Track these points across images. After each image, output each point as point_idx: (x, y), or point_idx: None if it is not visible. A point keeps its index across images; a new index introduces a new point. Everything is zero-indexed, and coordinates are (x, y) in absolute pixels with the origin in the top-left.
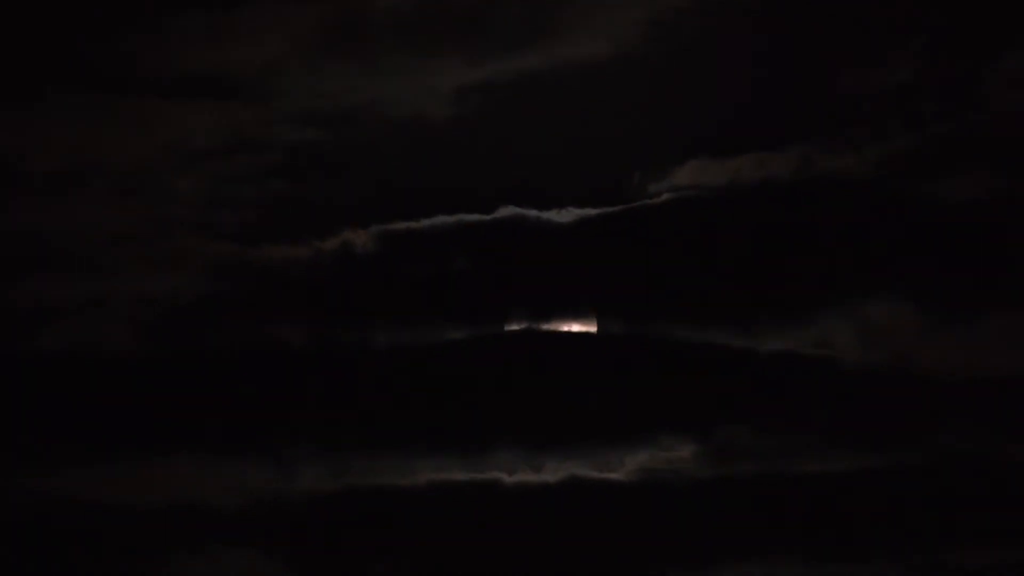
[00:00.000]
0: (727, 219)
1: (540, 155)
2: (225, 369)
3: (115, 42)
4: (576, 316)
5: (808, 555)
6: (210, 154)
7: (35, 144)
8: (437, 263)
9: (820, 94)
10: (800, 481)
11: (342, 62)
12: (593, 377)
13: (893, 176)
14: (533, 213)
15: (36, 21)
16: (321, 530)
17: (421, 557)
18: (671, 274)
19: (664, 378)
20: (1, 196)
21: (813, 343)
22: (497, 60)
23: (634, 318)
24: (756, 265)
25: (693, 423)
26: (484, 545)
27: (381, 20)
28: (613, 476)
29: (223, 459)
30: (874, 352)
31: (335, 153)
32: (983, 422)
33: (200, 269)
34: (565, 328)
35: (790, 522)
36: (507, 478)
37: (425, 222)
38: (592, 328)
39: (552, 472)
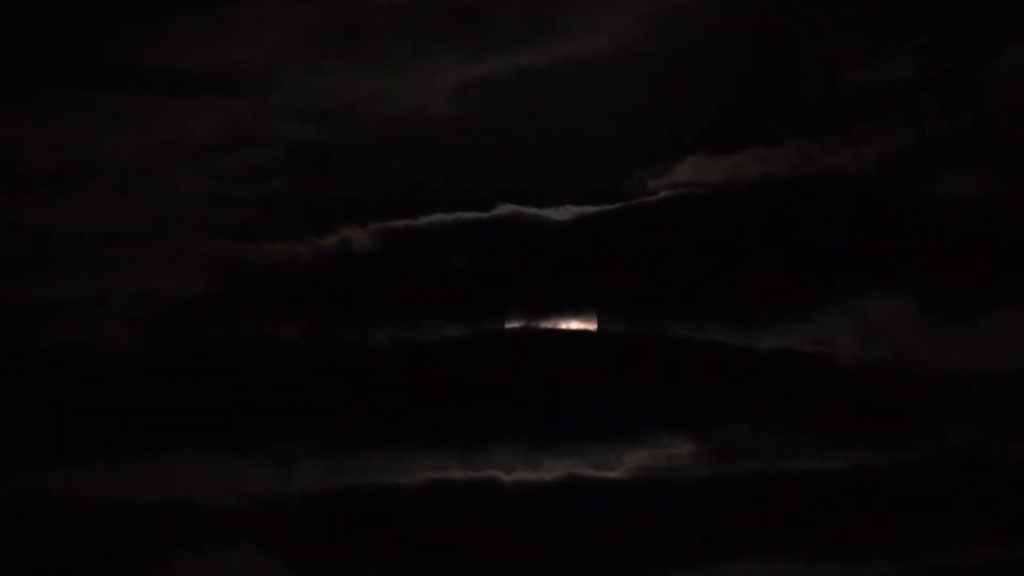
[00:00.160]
0: (725, 217)
1: (539, 152)
2: (224, 367)
3: (114, 39)
4: (574, 314)
5: (807, 554)
6: (210, 151)
7: (34, 142)
8: (435, 261)
9: (820, 91)
10: (799, 479)
11: (342, 59)
12: (591, 375)
13: (892, 173)
14: (532, 211)
15: (35, 19)
16: (320, 528)
17: (419, 556)
18: (669, 272)
19: (662, 376)
20: (0, 194)
21: (812, 341)
22: (497, 57)
23: (632, 316)
24: (755, 263)
25: (691, 421)
26: (482, 544)
27: (381, 17)
28: (611, 475)
29: (222, 457)
30: (873, 350)
31: (334, 150)
32: (982, 420)
33: (199, 267)
34: (563, 326)
35: (789, 521)
36: (505, 476)
37: (424, 220)
38: (590, 326)
39: (550, 471)
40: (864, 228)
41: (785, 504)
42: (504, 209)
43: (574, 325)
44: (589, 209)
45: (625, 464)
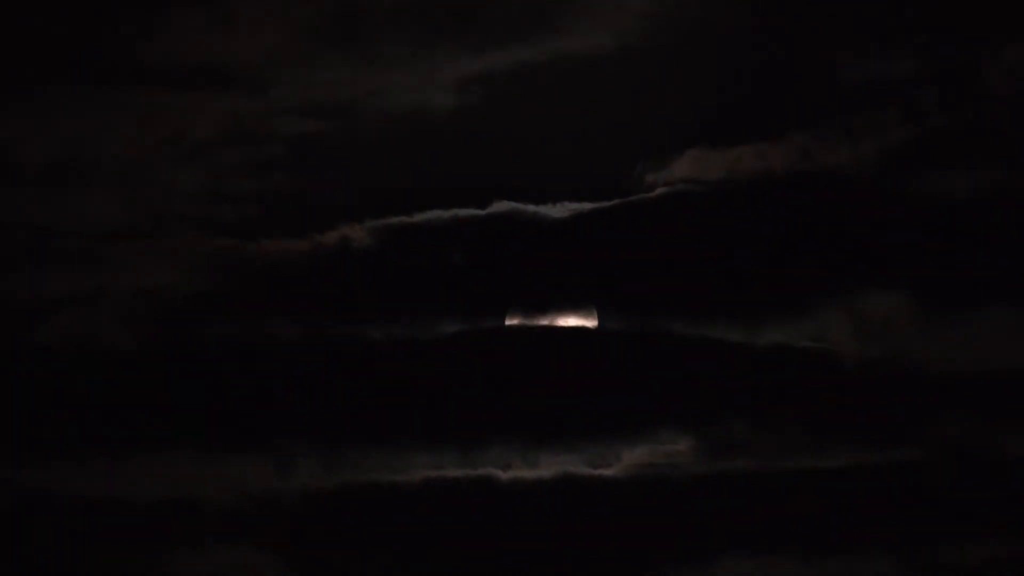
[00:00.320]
0: (724, 213)
1: (539, 149)
2: (222, 365)
3: (114, 34)
4: (572, 311)
5: (805, 551)
6: (209, 146)
7: (32, 137)
8: (433, 258)
9: (820, 87)
10: (797, 477)
11: (342, 54)
12: (589, 372)
13: (891, 170)
14: (530, 208)
15: (34, 14)
16: (317, 526)
17: (417, 553)
18: (667, 268)
19: (660, 373)
20: None
21: (810, 337)
22: (497, 53)
23: (630, 313)
24: (753, 259)
25: (690, 418)
26: (480, 541)
27: (381, 11)
28: (609, 471)
29: (220, 456)
30: (871, 347)
31: (334, 146)
32: (981, 417)
33: (197, 264)
34: (561, 323)
35: (787, 518)
36: (503, 474)
37: (421, 217)
38: (588, 323)
39: (548, 468)
40: (863, 224)
41: (783, 501)
42: (502, 206)
43: (572, 322)
44: (587, 206)
45: (623, 461)
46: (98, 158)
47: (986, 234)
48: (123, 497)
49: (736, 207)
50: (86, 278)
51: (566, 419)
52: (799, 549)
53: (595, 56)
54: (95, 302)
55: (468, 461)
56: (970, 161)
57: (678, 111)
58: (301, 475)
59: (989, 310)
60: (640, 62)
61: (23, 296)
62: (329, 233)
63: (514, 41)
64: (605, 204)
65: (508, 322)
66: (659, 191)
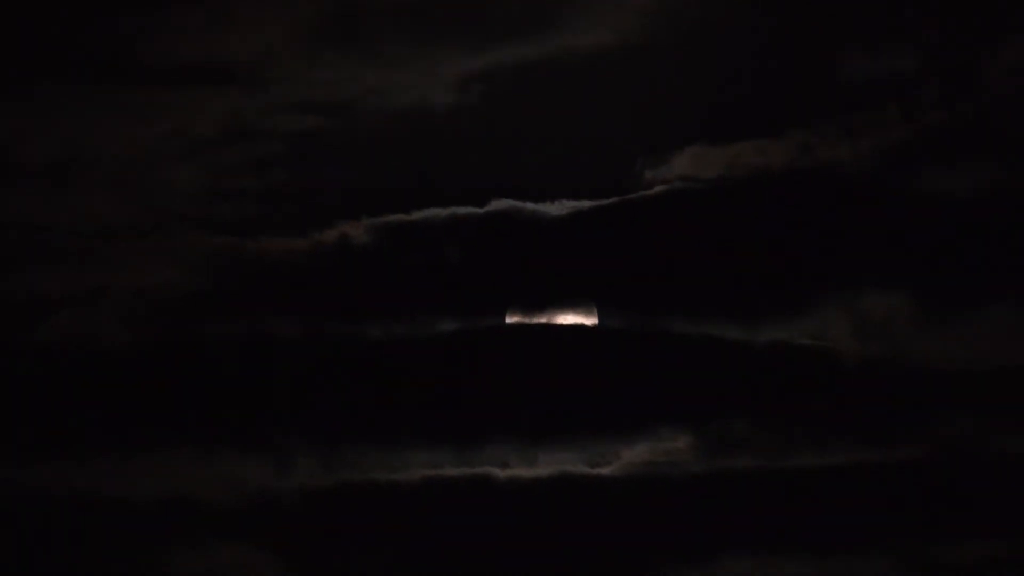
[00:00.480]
0: (723, 211)
1: (540, 146)
2: (220, 363)
3: (113, 31)
4: (571, 309)
5: (804, 550)
6: (209, 143)
7: (31, 135)
8: (432, 256)
9: (820, 83)
10: (796, 475)
11: (341, 51)
12: (588, 370)
13: (892, 168)
14: (529, 206)
15: (33, 11)
16: (315, 525)
17: (415, 552)
18: (666, 266)
19: (659, 370)
20: None
21: (810, 335)
22: (498, 50)
23: (629, 310)
24: (753, 257)
25: (689, 416)
26: (479, 540)
27: (381, 9)
28: (608, 470)
29: (218, 454)
30: (870, 345)
31: (334, 143)
32: (980, 415)
33: (196, 262)
34: (560, 321)
35: (787, 516)
36: (500, 472)
37: (420, 214)
38: (587, 321)
39: (546, 466)
40: (863, 222)
41: (783, 500)
42: (501, 204)
43: (571, 320)
44: (586, 204)
45: (622, 459)
46: (97, 157)
47: (986, 233)
48: (122, 496)
49: (736, 205)
50: (85, 277)
51: (565, 417)
52: (798, 548)
53: (596, 53)
54: (94, 301)
55: (467, 460)
56: (970, 159)
57: (678, 108)
58: (300, 474)
59: (989, 309)
60: (641, 59)
61: (22, 295)
62: (328, 231)
63: (515, 39)
64: (604, 202)
65: (507, 320)
66: (657, 189)
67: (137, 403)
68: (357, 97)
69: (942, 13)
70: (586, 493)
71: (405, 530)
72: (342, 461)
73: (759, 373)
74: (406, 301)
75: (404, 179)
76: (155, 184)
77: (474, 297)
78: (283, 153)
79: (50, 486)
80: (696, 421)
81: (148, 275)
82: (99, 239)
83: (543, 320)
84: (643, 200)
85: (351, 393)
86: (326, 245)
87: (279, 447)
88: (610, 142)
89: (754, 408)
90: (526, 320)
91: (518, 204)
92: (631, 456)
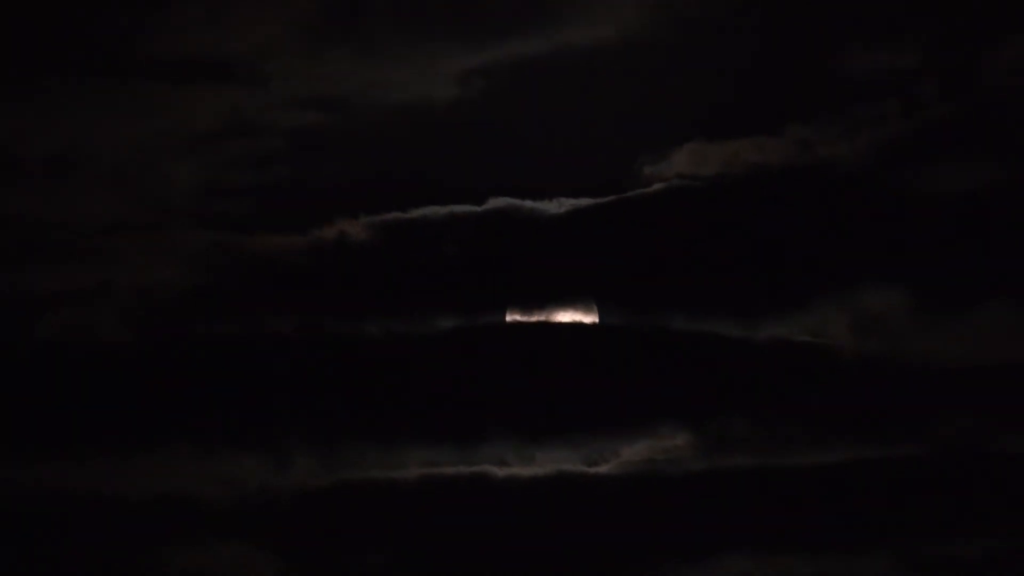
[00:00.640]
0: (721, 208)
1: (539, 143)
2: (218, 361)
3: (112, 27)
4: (570, 306)
5: (803, 548)
6: (208, 139)
7: (30, 131)
8: (430, 253)
9: (820, 79)
10: (795, 472)
11: (342, 47)
12: (587, 368)
13: (891, 164)
14: (527, 203)
15: (31, 6)
16: (313, 523)
17: (412, 550)
18: (665, 264)
19: (659, 368)
20: None
21: (809, 332)
22: (498, 46)
23: (629, 308)
24: (751, 254)
25: (688, 413)
26: (477, 539)
27: (381, 4)
28: (606, 468)
29: (216, 451)
30: (869, 341)
31: (334, 139)
32: (979, 412)
33: (195, 259)
34: (558, 319)
35: (785, 514)
36: (499, 470)
37: (419, 212)
38: (586, 318)
39: (544, 464)
40: (862, 219)
41: (781, 498)
42: (499, 202)
43: (569, 318)
44: (585, 201)
45: (621, 457)
46: (97, 153)
47: (985, 230)
48: (120, 494)
49: (734, 202)
50: (84, 273)
51: (563, 415)
52: (797, 546)
53: (595, 49)
54: (93, 298)
55: (465, 457)
56: (970, 156)
57: (677, 104)
58: (298, 472)
59: (988, 306)
60: (640, 55)
61: (21, 292)
62: (327, 229)
63: (516, 34)
64: (602, 200)
65: (505, 318)
66: (656, 187)
67: (135, 401)
68: (357, 93)
69: (942, 10)
70: (584, 491)
71: (403, 529)
72: (340, 459)
73: (758, 370)
74: (405, 299)
75: (403, 176)
76: (154, 180)
77: (472, 295)
78: (283, 149)
79: (48, 484)
80: (695, 419)
81: (147, 272)
82: (98, 236)
83: (541, 318)
84: (641, 198)
85: (349, 391)
86: (325, 242)
87: (277, 445)
88: (609, 139)
89: (753, 405)
90: (525, 318)
91: (516, 202)
92: (630, 454)
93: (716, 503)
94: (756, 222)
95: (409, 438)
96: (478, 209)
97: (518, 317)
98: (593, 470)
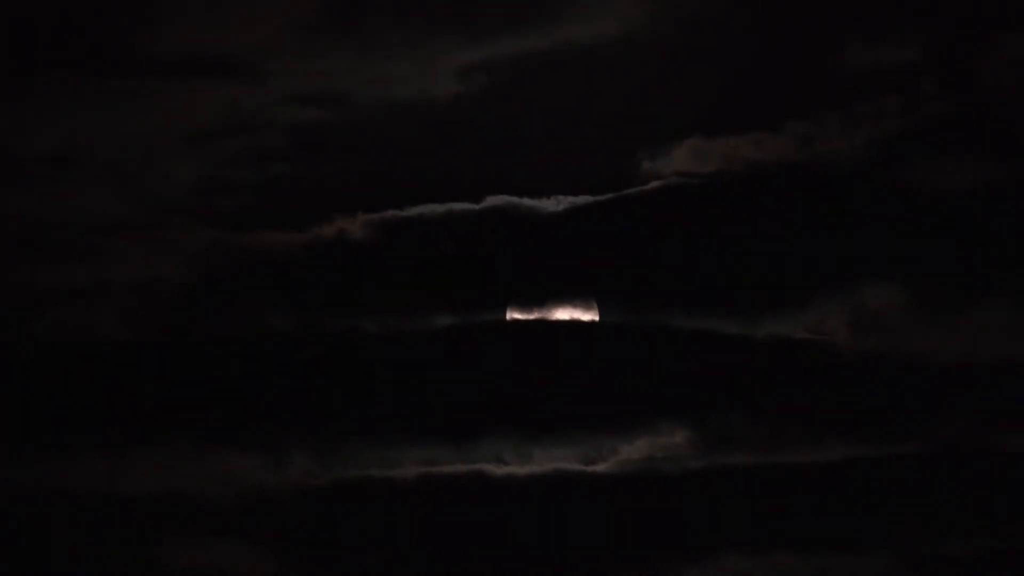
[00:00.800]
0: (721, 205)
1: (539, 139)
2: (214, 358)
3: (110, 23)
4: (568, 304)
5: (802, 545)
6: (207, 136)
7: (28, 128)
8: (428, 251)
9: (820, 75)
10: (794, 470)
11: (341, 42)
12: (585, 365)
13: (891, 161)
14: (526, 201)
15: (30, 2)
16: (310, 521)
17: (410, 548)
18: (664, 261)
19: (658, 365)
20: None
21: (808, 329)
22: (498, 41)
23: (627, 305)
24: (751, 251)
25: (687, 410)
26: (475, 537)
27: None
28: (605, 466)
29: (213, 449)
30: (869, 339)
31: (333, 135)
32: (978, 410)
33: (193, 256)
34: (557, 316)
35: (784, 512)
36: (496, 468)
37: (417, 209)
38: (584, 316)
39: (542, 462)
40: (861, 216)
41: (780, 495)
42: (497, 200)
43: (568, 315)
44: (583, 199)
45: (619, 455)
46: (95, 150)
47: (985, 227)
48: (117, 492)
49: (733, 199)
50: (82, 271)
51: (562, 413)
52: (796, 544)
53: (596, 45)
54: (92, 295)
55: (463, 455)
56: (969, 153)
57: (678, 100)
58: (295, 469)
59: (987, 303)
60: (640, 51)
61: (19, 290)
62: (326, 226)
63: (514, 30)
64: (601, 198)
65: (503, 316)
66: (654, 184)
67: (133, 399)
68: (356, 89)
69: (942, 6)
70: (582, 489)
71: (401, 527)
72: (338, 457)
73: (757, 368)
74: (403, 297)
75: (403, 173)
76: (153, 178)
77: (470, 293)
78: (282, 146)
79: (46, 482)
80: (694, 416)
81: (145, 269)
82: (97, 233)
83: (540, 316)
84: (640, 195)
85: (347, 389)
86: (323, 240)
87: (275, 443)
88: (608, 135)
89: (752, 403)
90: (523, 316)
91: (515, 200)
92: (629, 452)
93: (715, 501)
94: (755, 220)
95: (407, 436)
96: (476, 207)
97: (516, 315)
98: (591, 468)
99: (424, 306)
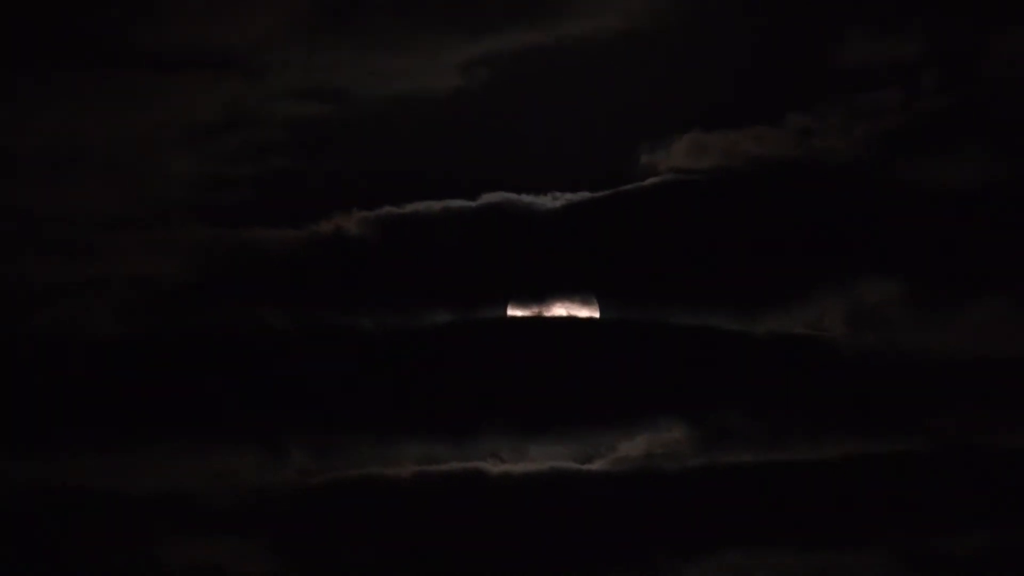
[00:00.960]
0: (719, 201)
1: (540, 135)
2: (213, 355)
3: (109, 17)
4: (567, 301)
5: (800, 543)
6: (206, 131)
7: (27, 123)
8: (426, 247)
9: (820, 69)
10: (792, 467)
11: (342, 36)
12: (584, 362)
13: (890, 156)
14: (525, 197)
15: None
16: (307, 517)
17: (407, 546)
18: (663, 257)
19: (657, 362)
20: None
21: (807, 325)
22: (500, 35)
23: (626, 302)
24: (750, 247)
25: (686, 407)
26: (473, 535)
27: None
28: (603, 463)
29: (211, 446)
30: (868, 335)
31: (333, 130)
32: (977, 406)
33: (191, 253)
34: (555, 313)
35: (783, 509)
36: (494, 465)
37: (415, 206)
38: (583, 313)
39: (541, 460)
40: (860, 212)
41: (779, 492)
42: (495, 196)
43: (566, 312)
44: (581, 196)
45: (618, 452)
46: (93, 145)
47: (984, 223)
48: (115, 489)
49: (732, 195)
50: (81, 267)
51: (560, 410)
52: (794, 541)
53: (596, 40)
54: (90, 291)
55: (461, 453)
56: (969, 148)
57: (678, 94)
58: (293, 467)
59: (986, 299)
60: (641, 46)
61: (17, 285)
62: (324, 223)
63: (515, 24)
64: (599, 194)
65: (501, 313)
66: (653, 180)
67: (130, 395)
68: (357, 83)
69: (943, 0)
70: (580, 487)
71: (398, 525)
72: (335, 454)
73: (756, 364)
74: (400, 294)
75: (404, 168)
76: (151, 173)
77: (468, 290)
78: (282, 141)
79: (42, 479)
80: (692, 413)
81: (144, 265)
82: (96, 229)
83: (538, 313)
84: (638, 191)
85: (345, 386)
86: (322, 236)
87: (273, 441)
88: (608, 129)
89: (751, 399)
90: (521, 313)
91: (513, 196)
92: (628, 448)
93: (714, 498)
94: (753, 216)
95: (404, 433)
96: (473, 204)
97: (514, 312)
98: (588, 467)
99: (421, 303)
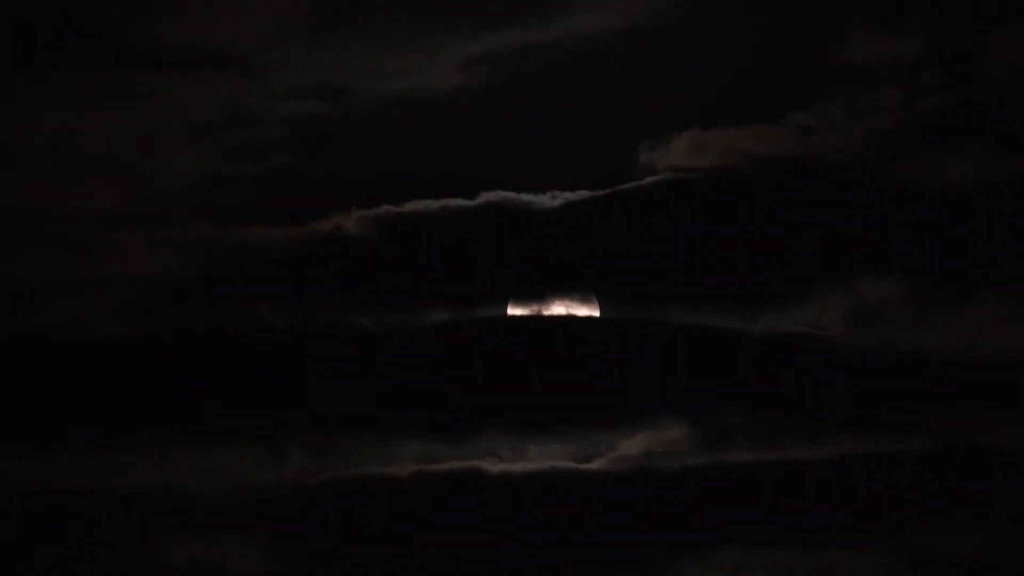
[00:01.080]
0: (719, 200)
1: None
2: (212, 353)
3: (110, 16)
4: (566, 299)
5: (800, 541)
6: (207, 129)
7: (27, 121)
8: (425, 246)
9: (820, 67)
10: (792, 466)
11: (342, 34)
12: (583, 361)
13: (890, 155)
14: (524, 196)
15: None
16: (306, 516)
17: (405, 545)
18: (663, 256)
19: (657, 361)
20: None
21: (807, 324)
22: (499, 34)
23: (626, 301)
24: (750, 245)
25: (686, 405)
26: (471, 534)
27: None
28: (603, 461)
29: (209, 445)
30: (868, 333)
31: (333, 129)
32: (976, 405)
33: (191, 250)
34: (554, 311)
35: (782, 508)
36: (494, 464)
37: (414, 205)
38: (583, 311)
39: (540, 458)
40: (860, 210)
41: (779, 491)
42: (494, 195)
43: (565, 311)
44: (580, 194)
45: (618, 451)
46: (93, 142)
47: (983, 222)
48: (114, 488)
49: (732, 193)
50: (80, 264)
51: (559, 409)
52: (794, 539)
53: (597, 37)
54: (90, 289)
55: (460, 452)
56: (969, 147)
57: (678, 93)
58: (292, 466)
59: (985, 298)
60: (642, 43)
61: (16, 282)
62: (324, 221)
63: (516, 22)
64: (599, 193)
65: (500, 312)
66: (650, 179)
67: (130, 395)
68: (357, 82)
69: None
70: (579, 486)
71: (396, 523)
72: (334, 454)
73: (756, 363)
74: (399, 292)
75: (404, 167)
76: (151, 170)
77: (467, 288)
78: (282, 139)
79: (41, 478)
80: (692, 412)
81: (143, 264)
82: (96, 227)
83: (537, 311)
84: (637, 190)
85: (344, 385)
86: (321, 235)
87: (272, 440)
88: (608, 127)
89: (751, 398)
90: (520, 311)
91: (512, 195)
92: (627, 447)
93: (714, 497)
94: (753, 214)
95: (404, 432)
96: (472, 203)
97: (513, 311)
98: (587, 466)
99: (421, 302)
